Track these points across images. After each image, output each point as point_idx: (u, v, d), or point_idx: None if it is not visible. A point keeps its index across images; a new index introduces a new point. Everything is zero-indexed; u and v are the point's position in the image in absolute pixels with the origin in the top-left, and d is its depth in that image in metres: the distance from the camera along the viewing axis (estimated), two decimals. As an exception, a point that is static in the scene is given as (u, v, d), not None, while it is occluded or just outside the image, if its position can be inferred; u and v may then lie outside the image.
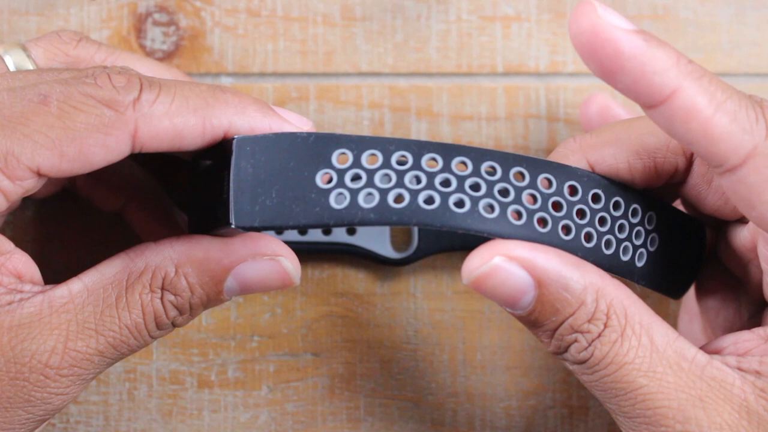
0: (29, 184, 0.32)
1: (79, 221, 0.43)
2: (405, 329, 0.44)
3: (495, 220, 0.32)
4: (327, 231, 0.43)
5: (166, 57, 0.44)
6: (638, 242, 0.35)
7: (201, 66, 0.44)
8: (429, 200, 0.32)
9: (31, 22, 0.44)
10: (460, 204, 0.32)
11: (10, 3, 0.44)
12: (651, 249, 0.36)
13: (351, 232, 0.43)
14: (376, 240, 0.43)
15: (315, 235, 0.42)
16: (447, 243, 0.43)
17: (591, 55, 0.31)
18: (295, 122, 0.34)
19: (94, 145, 0.32)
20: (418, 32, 0.44)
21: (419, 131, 0.44)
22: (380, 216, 0.32)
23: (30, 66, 0.37)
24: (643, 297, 0.43)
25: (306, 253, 0.43)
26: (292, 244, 0.42)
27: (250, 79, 0.44)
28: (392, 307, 0.44)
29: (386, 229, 0.43)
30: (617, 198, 0.34)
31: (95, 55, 0.38)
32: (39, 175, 0.32)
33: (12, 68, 0.37)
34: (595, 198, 0.34)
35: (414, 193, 0.32)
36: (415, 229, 0.43)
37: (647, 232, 0.35)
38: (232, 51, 0.44)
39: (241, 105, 0.33)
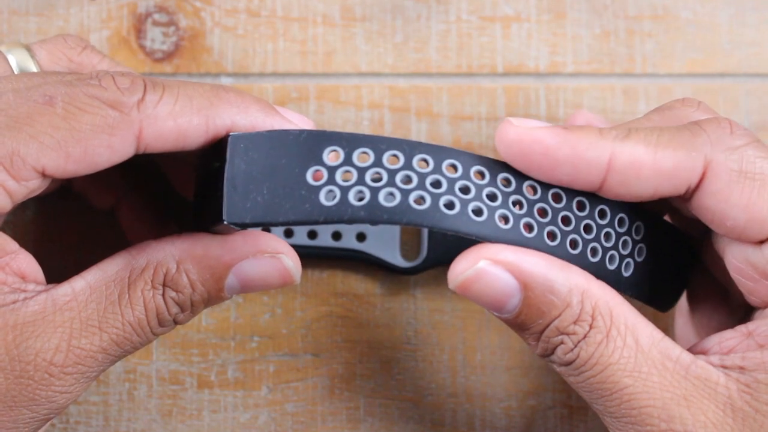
0: (34, 185, 0.32)
1: (79, 221, 0.43)
2: (405, 329, 0.44)
3: (483, 223, 0.33)
4: (336, 236, 0.43)
5: (166, 57, 0.44)
6: (625, 252, 0.35)
7: (201, 66, 0.44)
8: (419, 200, 0.32)
9: (31, 23, 0.44)
10: (450, 206, 0.32)
11: (10, 3, 0.44)
12: (638, 259, 0.36)
13: (360, 238, 0.43)
14: (386, 248, 0.43)
15: (324, 241, 0.43)
16: (456, 253, 0.43)
17: (526, 160, 0.32)
18: (297, 122, 0.34)
19: (99, 146, 0.32)
20: (417, 32, 0.44)
21: (419, 131, 0.44)
22: (370, 214, 0.32)
23: (33, 67, 0.37)
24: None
25: (314, 258, 0.43)
26: (300, 249, 0.42)
27: (249, 80, 0.44)
28: (392, 308, 0.44)
29: (396, 237, 0.43)
30: (603, 206, 0.35)
31: (98, 65, 0.38)
32: (44, 175, 0.32)
33: (15, 68, 0.37)
34: (580, 206, 0.34)
35: (405, 193, 0.32)
36: (425, 239, 0.43)
37: (634, 242, 0.36)
38: (232, 51, 0.44)
39: (243, 105, 0.33)
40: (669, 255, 0.37)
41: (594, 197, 0.34)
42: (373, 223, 0.32)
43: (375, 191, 0.32)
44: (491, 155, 0.44)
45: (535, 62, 0.44)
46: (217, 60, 0.44)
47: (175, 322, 0.34)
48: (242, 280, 0.34)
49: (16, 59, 0.37)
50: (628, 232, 0.35)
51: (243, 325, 0.43)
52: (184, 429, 0.43)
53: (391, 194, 0.32)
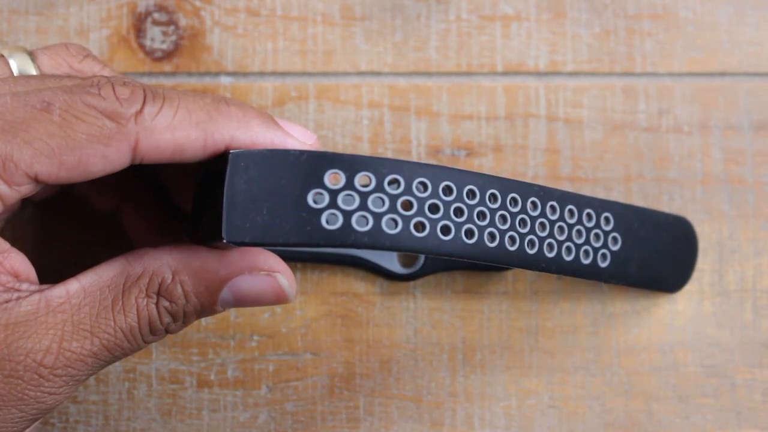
0: (26, 189, 0.32)
1: (78, 221, 0.43)
2: (404, 328, 0.44)
3: (474, 245, 0.33)
4: None
5: (166, 56, 0.44)
6: (597, 244, 0.36)
7: (200, 65, 0.44)
8: (419, 227, 0.32)
9: (31, 22, 0.44)
10: (446, 231, 0.33)
11: (9, 2, 0.44)
12: (613, 248, 0.37)
13: None
14: (384, 254, 0.43)
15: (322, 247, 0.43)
16: (454, 261, 0.43)
17: None
18: (299, 136, 0.34)
19: (93, 155, 0.32)
20: (417, 31, 0.44)
21: (419, 130, 0.44)
22: (374, 241, 0.32)
23: (33, 71, 0.37)
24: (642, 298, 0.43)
25: (312, 263, 0.43)
26: (298, 255, 0.42)
27: (249, 79, 0.44)
28: (392, 307, 0.44)
29: None
30: (570, 206, 0.35)
31: (99, 73, 0.38)
32: (36, 181, 0.32)
33: (15, 71, 0.37)
34: (552, 210, 0.35)
35: (406, 220, 0.32)
36: None
37: (605, 233, 0.36)
38: (232, 50, 0.44)
39: (244, 119, 0.33)
40: (655, 239, 0.38)
41: (562, 199, 0.35)
42: (376, 249, 0.32)
43: (378, 217, 0.32)
44: (490, 154, 0.44)
45: (534, 61, 0.44)
46: (217, 59, 0.44)
47: (167, 332, 0.34)
48: (236, 295, 0.34)
49: (17, 63, 0.37)
50: (597, 225, 0.36)
51: (243, 324, 0.43)
52: (184, 428, 0.43)
53: (394, 221, 0.32)
